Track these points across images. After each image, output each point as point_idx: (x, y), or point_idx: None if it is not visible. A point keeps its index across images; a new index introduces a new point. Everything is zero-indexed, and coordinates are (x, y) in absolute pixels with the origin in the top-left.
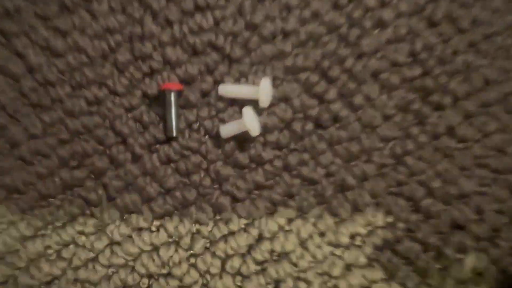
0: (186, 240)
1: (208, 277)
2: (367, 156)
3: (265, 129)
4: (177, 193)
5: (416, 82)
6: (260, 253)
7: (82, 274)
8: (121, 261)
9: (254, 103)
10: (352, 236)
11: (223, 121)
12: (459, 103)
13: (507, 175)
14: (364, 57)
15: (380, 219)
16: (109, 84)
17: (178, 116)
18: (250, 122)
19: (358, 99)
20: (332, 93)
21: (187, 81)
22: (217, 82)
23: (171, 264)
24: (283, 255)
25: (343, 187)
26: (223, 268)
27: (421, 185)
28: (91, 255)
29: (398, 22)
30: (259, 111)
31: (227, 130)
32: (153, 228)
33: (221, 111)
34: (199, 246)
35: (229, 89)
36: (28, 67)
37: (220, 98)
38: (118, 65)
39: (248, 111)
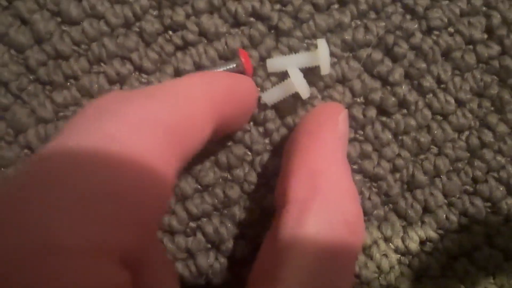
0: (228, 245)
1: None
2: (439, 148)
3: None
4: (217, 190)
5: (493, 62)
6: None
7: None
8: None
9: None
10: (423, 242)
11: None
12: None
13: None
14: (434, 32)
15: (454, 222)
16: (134, 59)
17: None
18: (299, 83)
19: (427, 81)
20: (397, 74)
21: (227, 57)
22: (263, 59)
23: (210, 274)
24: None
25: (411, 184)
26: None
27: (500, 183)
28: None
29: None
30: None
31: (271, 95)
32: (189, 231)
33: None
34: (242, 251)
35: (280, 62)
36: (36, 36)
37: (268, 77)
38: (145, 35)
39: (295, 71)
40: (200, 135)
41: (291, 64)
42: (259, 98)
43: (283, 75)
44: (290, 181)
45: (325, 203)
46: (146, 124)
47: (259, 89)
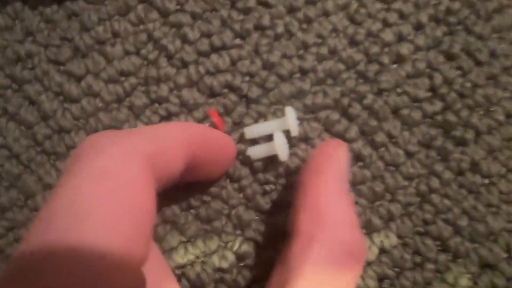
0: None
1: None
2: (392, 195)
3: (287, 171)
4: (198, 241)
5: (437, 117)
6: None
7: None
8: None
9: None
10: (381, 279)
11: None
12: (481, 137)
13: None
14: (384, 93)
15: (408, 260)
16: (125, 129)
17: None
18: (281, 146)
19: (379, 137)
20: (353, 132)
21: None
22: (235, 124)
23: None
24: None
25: (369, 228)
26: None
27: (448, 224)
28: None
29: (416, 56)
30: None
31: (257, 151)
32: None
33: (241, 153)
34: None
35: (255, 129)
36: (42, 114)
37: (241, 139)
38: (134, 109)
39: (279, 134)
40: (174, 165)
41: (265, 130)
42: (244, 152)
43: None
44: (298, 216)
45: (327, 233)
46: (130, 154)
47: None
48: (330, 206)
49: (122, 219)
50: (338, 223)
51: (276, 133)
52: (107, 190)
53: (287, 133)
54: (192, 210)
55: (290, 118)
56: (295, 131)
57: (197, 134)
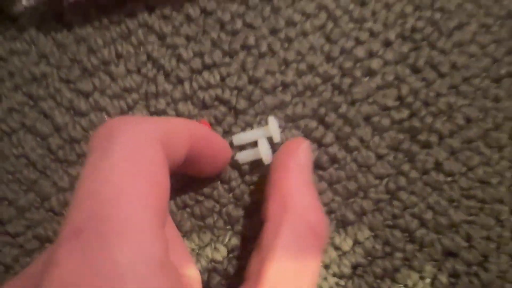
0: (204, 278)
1: None
2: (364, 193)
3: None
4: (193, 236)
5: (404, 123)
6: None
7: None
8: None
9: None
10: (354, 267)
11: (234, 165)
12: (444, 140)
13: (492, 205)
14: (357, 103)
15: (379, 250)
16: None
17: None
18: (264, 151)
19: (353, 142)
20: (329, 137)
21: None
22: (225, 132)
23: None
24: None
25: (344, 222)
26: None
27: (414, 217)
28: None
29: (385, 70)
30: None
31: (244, 156)
32: None
33: (231, 158)
34: (215, 282)
35: (242, 137)
36: (55, 127)
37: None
38: None
39: (263, 141)
40: (178, 153)
41: (251, 137)
42: (233, 156)
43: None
44: (268, 205)
45: (292, 217)
46: (149, 137)
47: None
48: (294, 193)
49: (151, 194)
50: (301, 207)
51: (260, 140)
52: (137, 168)
53: (270, 139)
54: (187, 209)
55: (272, 126)
56: (277, 138)
57: (200, 132)
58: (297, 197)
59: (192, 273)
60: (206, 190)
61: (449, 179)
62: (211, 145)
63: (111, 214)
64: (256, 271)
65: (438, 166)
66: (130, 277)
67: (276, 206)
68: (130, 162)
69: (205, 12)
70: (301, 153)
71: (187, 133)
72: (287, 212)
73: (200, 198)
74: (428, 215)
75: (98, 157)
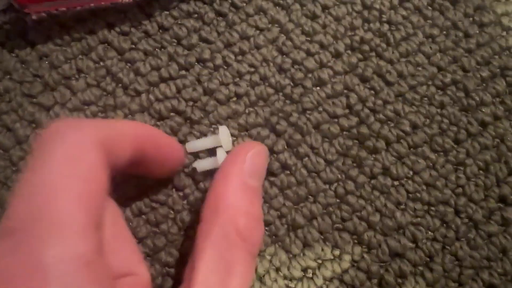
0: (157, 282)
1: None
2: (314, 197)
3: None
4: (148, 241)
5: (353, 130)
6: None
7: None
8: None
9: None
10: (304, 270)
11: (187, 173)
12: (391, 146)
13: (437, 207)
14: (307, 112)
15: (328, 252)
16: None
17: None
18: (222, 160)
19: (303, 149)
20: (280, 145)
21: None
22: (181, 142)
23: None
24: None
25: (294, 226)
26: None
27: (362, 220)
28: None
29: (335, 79)
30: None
31: (202, 164)
32: None
33: (186, 166)
34: (168, 286)
35: (195, 145)
36: (17, 139)
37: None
38: None
39: (221, 150)
40: (122, 156)
41: (203, 145)
42: (191, 165)
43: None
44: (204, 207)
45: (222, 219)
46: (89, 140)
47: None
48: (228, 197)
49: (84, 195)
50: (233, 210)
51: (218, 149)
52: (72, 170)
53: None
54: (143, 216)
55: (223, 135)
56: (228, 146)
57: (148, 132)
58: (230, 200)
59: (141, 272)
60: (161, 197)
61: (396, 183)
62: (160, 145)
63: (43, 215)
64: (189, 271)
65: (385, 171)
66: (53, 275)
67: (209, 209)
68: (66, 165)
69: (162, 28)
70: (248, 158)
71: (132, 133)
72: (218, 215)
73: (155, 205)
74: (376, 218)
75: (36, 160)
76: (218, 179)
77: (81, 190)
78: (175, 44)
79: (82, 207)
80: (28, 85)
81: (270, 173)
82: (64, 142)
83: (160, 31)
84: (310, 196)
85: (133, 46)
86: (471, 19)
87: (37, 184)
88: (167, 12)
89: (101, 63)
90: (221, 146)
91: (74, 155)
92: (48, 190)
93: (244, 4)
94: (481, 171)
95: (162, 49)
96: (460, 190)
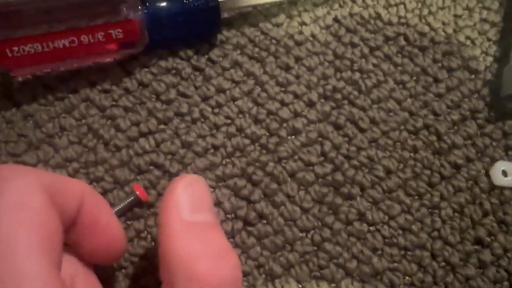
0: None
1: None
2: (291, 246)
3: None
4: None
5: (328, 177)
6: None
7: None
8: None
9: None
10: None
11: None
12: (366, 191)
13: (414, 251)
14: (283, 161)
15: None
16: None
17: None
18: None
19: (279, 197)
20: (257, 194)
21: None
22: (160, 195)
23: None
24: None
25: (271, 276)
26: None
27: (339, 267)
28: None
29: (308, 128)
30: None
31: None
32: None
33: None
34: None
35: None
36: None
37: None
38: None
39: None
40: (72, 199)
41: None
42: None
43: None
44: (159, 264)
45: (179, 277)
46: (34, 185)
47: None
48: (175, 249)
49: (42, 242)
50: (187, 263)
51: None
52: (25, 218)
53: None
54: (122, 270)
55: None
56: None
57: (95, 197)
58: (178, 252)
59: None
60: (140, 250)
61: (372, 228)
62: (104, 215)
63: (3, 269)
64: None
65: (361, 217)
66: None
67: (163, 270)
68: (18, 213)
69: (142, 84)
70: (179, 196)
71: (80, 188)
72: (174, 274)
73: (134, 259)
74: (353, 265)
75: None
76: (160, 233)
77: (39, 237)
78: (154, 99)
79: (43, 255)
80: (13, 145)
81: (247, 222)
82: (12, 188)
83: (140, 87)
84: (287, 245)
85: (114, 103)
86: (439, 64)
87: None
88: (147, 69)
89: (83, 121)
90: None
91: (25, 201)
92: (4, 241)
93: (220, 59)
94: (456, 214)
95: (142, 105)
96: (436, 233)
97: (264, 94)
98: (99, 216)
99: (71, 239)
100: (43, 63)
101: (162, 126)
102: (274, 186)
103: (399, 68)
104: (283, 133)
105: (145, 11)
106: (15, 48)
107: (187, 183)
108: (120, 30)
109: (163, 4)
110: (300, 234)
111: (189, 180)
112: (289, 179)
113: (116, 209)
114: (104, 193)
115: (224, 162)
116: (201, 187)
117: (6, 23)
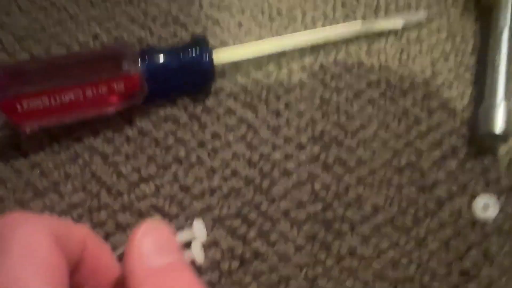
0: None
1: None
2: (286, 283)
3: (199, 270)
4: None
5: (319, 215)
6: None
7: None
8: None
9: None
10: None
11: None
12: (356, 228)
13: (403, 284)
14: (276, 201)
15: None
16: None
17: None
18: (197, 251)
19: (274, 236)
20: (252, 233)
21: None
22: None
23: None
24: None
25: None
26: None
27: None
28: None
29: (299, 169)
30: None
31: None
32: None
33: None
34: None
35: None
36: None
37: None
38: None
39: (196, 242)
40: (76, 243)
41: (179, 239)
42: None
43: None
44: None
45: None
46: (43, 231)
47: None
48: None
49: (52, 284)
50: None
51: (193, 241)
52: (36, 262)
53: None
54: None
55: (197, 229)
56: (203, 237)
57: (96, 241)
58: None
59: None
60: None
61: (363, 262)
62: (105, 259)
63: None
64: None
65: (352, 252)
66: None
67: None
68: (27, 256)
69: (142, 132)
70: (139, 242)
71: (82, 233)
72: None
73: None
74: None
75: None
76: (126, 284)
77: (44, 279)
78: (153, 146)
79: None
80: (20, 193)
81: (243, 261)
82: (21, 234)
83: (140, 135)
84: (282, 282)
85: (116, 150)
86: (420, 105)
87: (6, 280)
88: (146, 118)
89: (87, 168)
90: (196, 239)
91: (34, 247)
92: (19, 284)
93: (215, 107)
94: (442, 247)
95: (142, 151)
96: (424, 266)
97: (256, 139)
98: (100, 260)
99: (74, 283)
100: (50, 116)
101: (161, 171)
102: (268, 225)
103: (382, 110)
104: (275, 174)
105: (145, 66)
106: (25, 103)
107: (148, 228)
108: (122, 84)
109: (161, 59)
110: (294, 270)
111: (149, 226)
112: (282, 218)
113: (118, 254)
114: (107, 236)
115: (220, 204)
116: (162, 230)
117: (17, 80)
